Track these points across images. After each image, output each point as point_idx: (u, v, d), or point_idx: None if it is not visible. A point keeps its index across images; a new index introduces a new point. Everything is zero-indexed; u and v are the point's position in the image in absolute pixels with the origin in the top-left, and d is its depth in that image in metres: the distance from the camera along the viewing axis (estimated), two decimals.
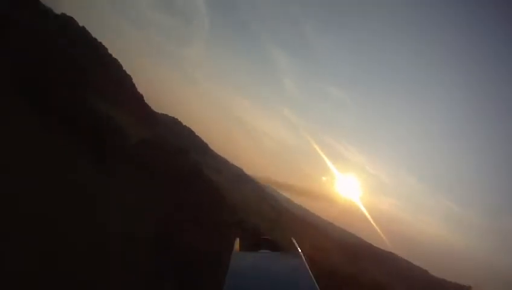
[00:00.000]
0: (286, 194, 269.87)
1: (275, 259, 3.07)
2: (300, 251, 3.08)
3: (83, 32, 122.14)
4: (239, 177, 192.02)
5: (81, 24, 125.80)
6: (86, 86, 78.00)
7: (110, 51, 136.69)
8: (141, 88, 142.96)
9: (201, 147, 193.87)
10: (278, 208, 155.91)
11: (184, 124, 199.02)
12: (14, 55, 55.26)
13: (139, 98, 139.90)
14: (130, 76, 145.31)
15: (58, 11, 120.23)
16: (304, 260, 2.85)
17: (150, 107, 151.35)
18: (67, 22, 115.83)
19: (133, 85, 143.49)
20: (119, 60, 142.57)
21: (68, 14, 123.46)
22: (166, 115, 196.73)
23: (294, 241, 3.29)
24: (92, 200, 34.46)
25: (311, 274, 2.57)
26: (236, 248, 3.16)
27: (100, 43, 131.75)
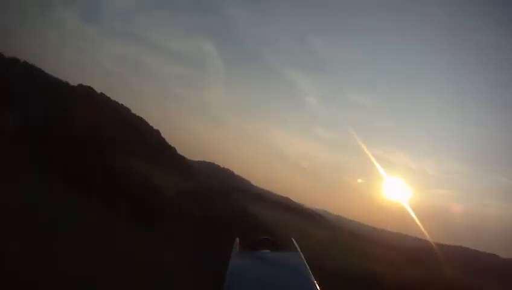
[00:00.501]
0: (337, 213, 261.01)
1: (275, 259, 3.12)
2: (300, 250, 3.13)
3: (103, 98, 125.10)
4: (287, 207, 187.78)
5: (98, 91, 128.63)
6: (116, 147, 79.14)
7: (133, 111, 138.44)
8: (172, 140, 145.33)
9: (244, 186, 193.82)
10: (332, 228, 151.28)
11: (222, 166, 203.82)
12: (42, 127, 57.76)
13: (172, 150, 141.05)
14: (157, 130, 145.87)
15: (74, 83, 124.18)
16: (304, 259, 2.89)
17: (184, 158, 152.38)
18: (87, 91, 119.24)
19: (163, 139, 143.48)
20: (143, 118, 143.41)
21: (84, 84, 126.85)
22: (202, 162, 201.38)
23: (294, 241, 3.37)
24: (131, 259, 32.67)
25: (311, 274, 2.59)
26: (236, 247, 3.22)
27: (122, 105, 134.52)
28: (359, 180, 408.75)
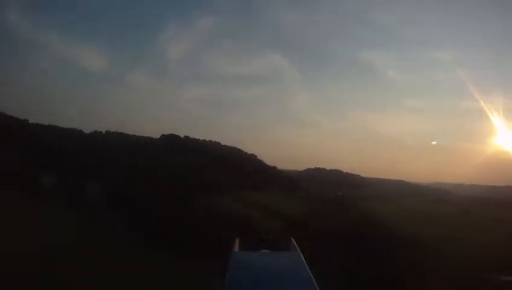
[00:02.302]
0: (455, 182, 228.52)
1: (274, 259, 3.28)
2: (299, 250, 3.20)
3: (190, 141, 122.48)
4: (400, 189, 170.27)
5: (183, 136, 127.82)
6: (212, 187, 72.99)
7: (223, 143, 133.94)
8: (271, 159, 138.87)
9: (353, 180, 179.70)
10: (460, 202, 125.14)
11: (329, 168, 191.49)
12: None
13: (273, 170, 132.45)
14: (253, 154, 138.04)
15: (157, 135, 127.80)
16: (304, 259, 3.03)
17: (287, 173, 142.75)
18: (171, 140, 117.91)
19: (260, 161, 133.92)
20: (236, 146, 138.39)
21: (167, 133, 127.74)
22: (308, 169, 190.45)
23: (293, 241, 3.56)
24: None
25: (311, 274, 2.74)
26: (236, 248, 3.40)
27: (209, 141, 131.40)
28: (433, 142, 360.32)
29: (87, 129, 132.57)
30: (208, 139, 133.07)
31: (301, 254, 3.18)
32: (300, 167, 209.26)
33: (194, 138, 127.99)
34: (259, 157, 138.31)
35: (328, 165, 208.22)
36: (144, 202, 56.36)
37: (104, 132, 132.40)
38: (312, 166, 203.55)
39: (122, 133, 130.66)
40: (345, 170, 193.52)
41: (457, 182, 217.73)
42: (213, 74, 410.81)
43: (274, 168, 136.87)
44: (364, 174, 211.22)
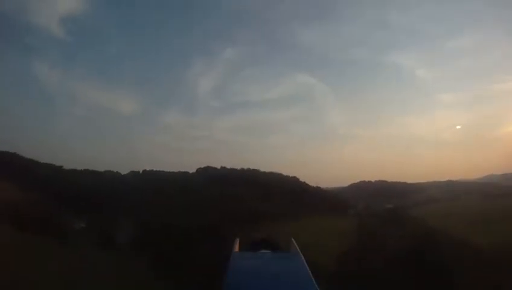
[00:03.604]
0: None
1: (274, 259, 3.14)
2: (300, 251, 3.12)
3: (224, 172, 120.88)
4: (449, 189, 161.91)
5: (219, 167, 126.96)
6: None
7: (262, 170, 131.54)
8: (313, 178, 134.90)
9: (399, 188, 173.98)
10: None
11: (374, 180, 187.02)
12: None
13: (316, 190, 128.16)
14: (295, 177, 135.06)
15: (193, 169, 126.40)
16: (304, 260, 2.90)
17: (330, 193, 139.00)
18: (208, 173, 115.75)
19: (302, 183, 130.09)
20: (277, 171, 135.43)
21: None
22: (353, 184, 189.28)
23: (294, 241, 3.36)
24: None
25: (311, 274, 2.63)
26: (236, 248, 3.26)
27: (248, 169, 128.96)
28: (458, 127, 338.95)
29: (124, 170, 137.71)
30: (246, 168, 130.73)
31: (301, 254, 2.98)
32: (344, 182, 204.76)
33: (231, 168, 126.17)
34: (301, 179, 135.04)
35: (373, 177, 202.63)
36: (176, 244, 53.44)
37: (141, 171, 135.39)
38: (356, 180, 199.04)
39: (158, 171, 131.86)
40: (390, 179, 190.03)
41: (506, 172, 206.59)
42: (244, 102, 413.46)
43: (318, 188, 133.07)
44: (410, 180, 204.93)
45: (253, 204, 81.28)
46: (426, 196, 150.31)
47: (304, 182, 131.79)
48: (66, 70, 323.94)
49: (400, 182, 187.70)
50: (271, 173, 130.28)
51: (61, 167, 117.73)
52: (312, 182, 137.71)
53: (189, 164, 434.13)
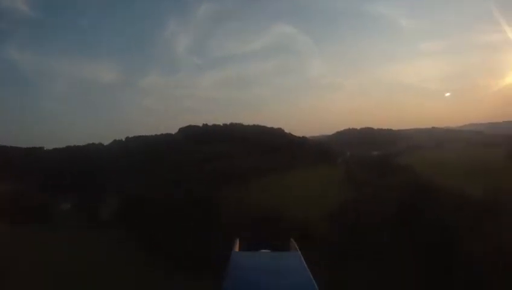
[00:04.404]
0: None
1: (274, 259, 3.16)
2: (299, 250, 3.15)
3: (206, 129, 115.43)
4: (434, 136, 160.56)
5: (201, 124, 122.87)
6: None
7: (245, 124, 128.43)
8: (298, 130, 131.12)
9: (386, 135, 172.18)
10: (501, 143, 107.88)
11: (359, 128, 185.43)
12: None
13: (303, 140, 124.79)
14: (281, 128, 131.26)
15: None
16: (303, 260, 2.90)
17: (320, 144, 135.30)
18: (190, 132, 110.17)
19: (289, 133, 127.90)
20: (262, 124, 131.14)
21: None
22: (341, 132, 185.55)
23: (293, 241, 3.39)
24: None
25: (311, 274, 2.63)
26: (236, 248, 3.26)
27: (231, 123, 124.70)
28: (447, 94, 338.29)
29: (107, 141, 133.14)
30: (228, 123, 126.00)
31: (301, 254, 3.01)
32: (330, 131, 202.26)
33: (213, 125, 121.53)
34: (286, 130, 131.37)
35: (358, 125, 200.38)
36: (162, 216, 49.37)
37: (123, 139, 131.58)
38: (341, 128, 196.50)
39: (140, 136, 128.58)
40: (376, 126, 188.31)
41: (490, 121, 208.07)
42: (225, 56, 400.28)
43: (303, 138, 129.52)
44: (395, 127, 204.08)
45: (238, 162, 76.95)
46: (412, 142, 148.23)
47: (289, 133, 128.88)
48: (38, 48, 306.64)
49: (385, 129, 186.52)
50: (255, 126, 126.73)
51: (42, 148, 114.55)
52: (297, 132, 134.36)
53: (173, 124, 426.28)
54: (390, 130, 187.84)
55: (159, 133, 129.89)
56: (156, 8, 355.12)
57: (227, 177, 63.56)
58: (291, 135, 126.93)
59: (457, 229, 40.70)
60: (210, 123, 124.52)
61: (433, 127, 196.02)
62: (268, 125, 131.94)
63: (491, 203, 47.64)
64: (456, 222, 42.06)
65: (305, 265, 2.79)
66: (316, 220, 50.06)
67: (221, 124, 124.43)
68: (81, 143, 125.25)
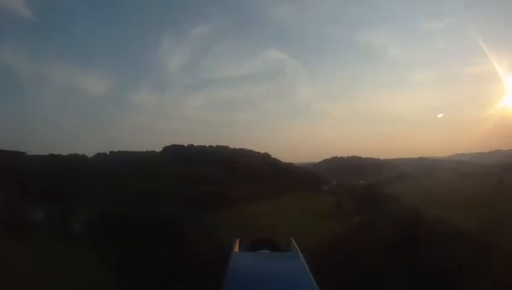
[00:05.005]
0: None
1: (274, 259, 3.13)
2: (299, 250, 3.11)
3: (191, 149, 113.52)
4: (422, 166, 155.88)
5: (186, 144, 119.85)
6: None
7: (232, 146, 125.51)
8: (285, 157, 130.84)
9: (373, 164, 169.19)
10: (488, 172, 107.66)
11: (346, 156, 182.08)
12: None
13: (290, 166, 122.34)
14: (267, 153, 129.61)
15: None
16: (304, 260, 2.86)
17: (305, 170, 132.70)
18: (175, 151, 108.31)
19: (276, 159, 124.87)
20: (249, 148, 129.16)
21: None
22: (324, 161, 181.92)
23: (293, 241, 3.36)
24: None
25: (311, 274, 2.59)
26: (235, 248, 3.23)
27: (217, 146, 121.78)
28: (439, 115, 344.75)
29: (91, 153, 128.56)
30: (215, 145, 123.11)
31: (301, 254, 2.94)
32: (317, 158, 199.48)
33: (199, 146, 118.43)
34: (273, 156, 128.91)
35: (345, 153, 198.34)
36: (137, 233, 45.96)
37: (108, 152, 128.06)
38: (328, 156, 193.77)
39: (125, 152, 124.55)
40: (363, 156, 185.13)
41: (477, 151, 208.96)
42: (215, 78, 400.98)
43: (290, 164, 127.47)
44: (383, 156, 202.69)
45: (222, 185, 73.67)
46: (399, 171, 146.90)
47: (276, 159, 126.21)
48: (32, 52, 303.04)
49: (372, 158, 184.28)
50: (241, 150, 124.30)
51: (25, 153, 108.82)
52: (284, 158, 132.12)
53: (159, 142, 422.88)
54: (378, 159, 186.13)
55: (143, 149, 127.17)
56: (152, 24, 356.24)
57: (208, 201, 60.36)
58: (278, 160, 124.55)
59: (452, 261, 37.91)
60: (196, 144, 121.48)
61: (420, 157, 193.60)
62: (255, 149, 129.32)
63: (482, 235, 45.59)
64: (450, 254, 39.29)
65: (306, 265, 2.69)
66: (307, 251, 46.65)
67: (207, 146, 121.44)
68: (65, 152, 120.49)
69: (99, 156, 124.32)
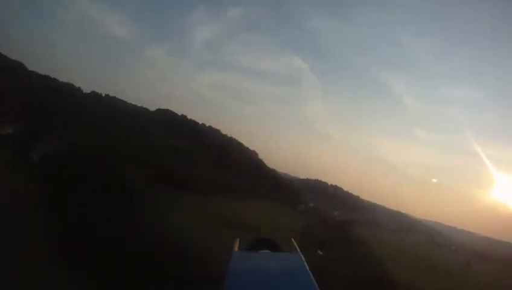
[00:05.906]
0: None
1: (274, 259, 3.08)
2: (299, 251, 3.08)
3: (183, 120, 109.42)
4: (400, 223, 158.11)
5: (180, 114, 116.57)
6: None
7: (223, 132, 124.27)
8: (273, 161, 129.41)
9: (352, 202, 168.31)
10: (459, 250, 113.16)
11: (330, 183, 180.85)
12: None
13: (272, 172, 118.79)
14: (255, 151, 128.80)
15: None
16: (304, 260, 2.82)
17: (287, 180, 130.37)
18: (166, 116, 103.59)
19: (261, 160, 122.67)
20: (239, 139, 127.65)
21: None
22: (308, 180, 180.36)
23: (294, 241, 3.29)
24: None
25: (311, 274, 2.55)
26: (236, 248, 3.16)
27: (209, 126, 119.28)
28: (434, 180, 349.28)
29: (87, 89, 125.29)
30: (207, 124, 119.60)
31: (301, 255, 2.87)
32: (301, 174, 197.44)
33: (191, 119, 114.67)
34: (260, 156, 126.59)
35: (329, 180, 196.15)
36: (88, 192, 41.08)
37: (103, 94, 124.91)
38: (313, 177, 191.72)
39: (121, 100, 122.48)
40: (345, 188, 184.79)
41: (452, 225, 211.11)
42: (233, 63, 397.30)
43: (273, 171, 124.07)
44: (364, 196, 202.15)
45: (198, 168, 69.57)
46: (374, 218, 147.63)
47: (261, 160, 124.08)
48: None
49: (353, 195, 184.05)
50: (232, 139, 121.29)
51: (26, 67, 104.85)
52: (270, 163, 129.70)
53: (156, 102, 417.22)
54: (358, 197, 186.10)
55: (139, 104, 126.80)
56: None
57: (178, 181, 56.16)
58: (263, 162, 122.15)
59: None
60: (190, 117, 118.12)
61: (398, 211, 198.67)
62: (245, 144, 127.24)
63: None
64: None
65: (306, 265, 2.64)
66: None
67: (200, 123, 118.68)
68: (62, 79, 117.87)
69: (94, 94, 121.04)
